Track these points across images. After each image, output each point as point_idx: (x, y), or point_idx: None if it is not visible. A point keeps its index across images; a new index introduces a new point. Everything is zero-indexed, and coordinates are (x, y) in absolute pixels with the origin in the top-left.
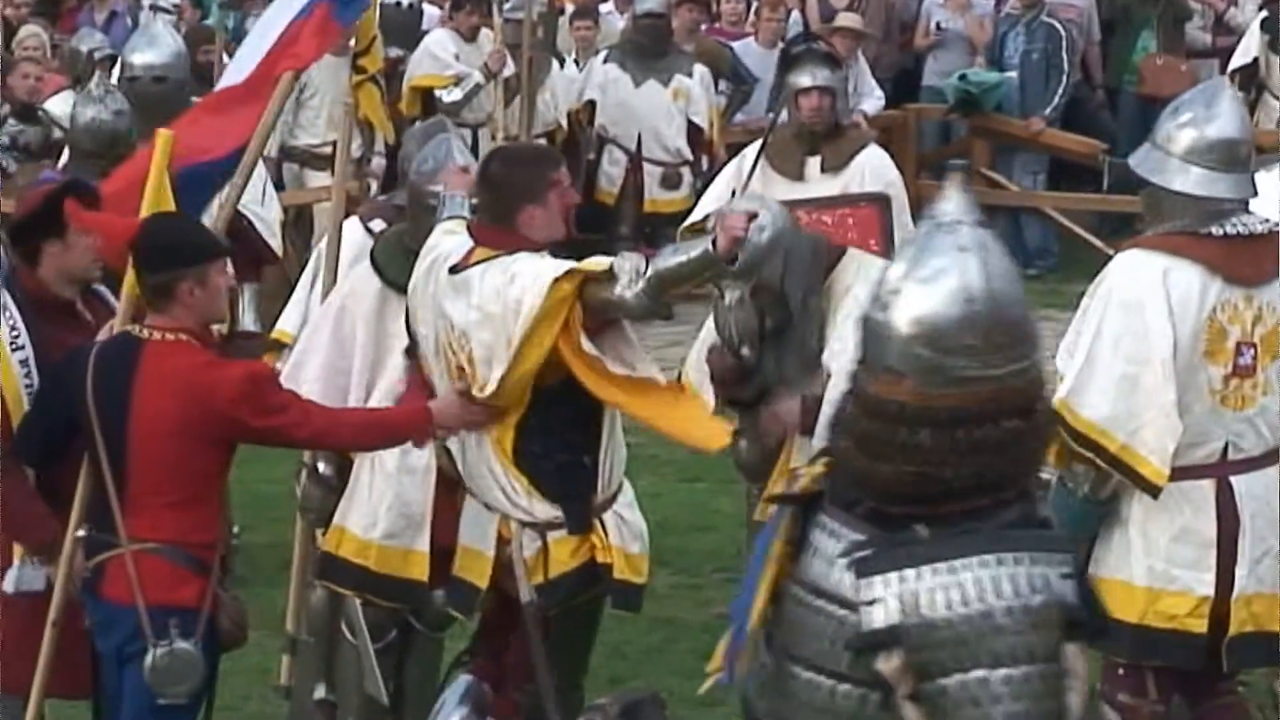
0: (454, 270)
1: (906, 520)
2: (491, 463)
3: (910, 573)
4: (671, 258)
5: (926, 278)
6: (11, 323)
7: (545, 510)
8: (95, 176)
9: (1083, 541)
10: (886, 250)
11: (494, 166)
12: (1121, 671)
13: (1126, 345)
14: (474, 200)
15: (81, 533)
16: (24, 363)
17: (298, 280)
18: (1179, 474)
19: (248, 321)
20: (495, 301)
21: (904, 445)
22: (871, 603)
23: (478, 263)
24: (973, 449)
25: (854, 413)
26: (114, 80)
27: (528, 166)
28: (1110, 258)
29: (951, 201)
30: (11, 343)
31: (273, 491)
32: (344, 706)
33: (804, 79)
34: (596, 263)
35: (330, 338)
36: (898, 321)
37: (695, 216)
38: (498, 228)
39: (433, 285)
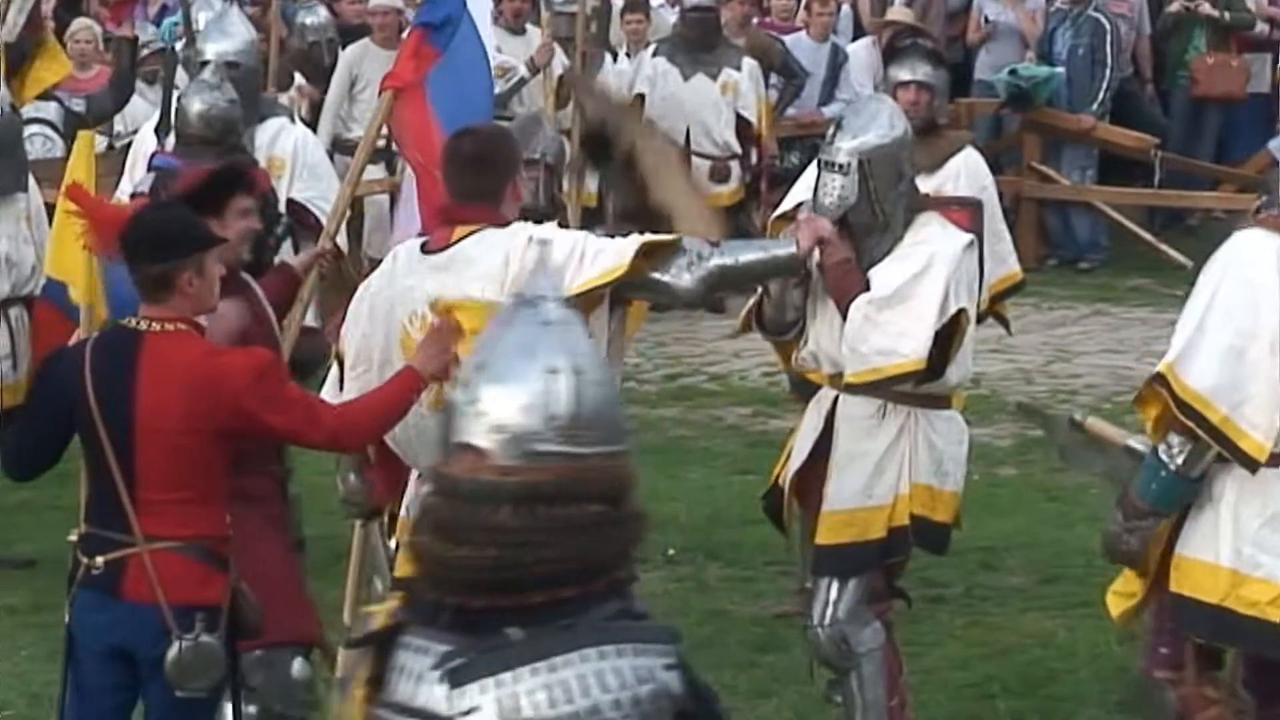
0: (430, 250)
1: (495, 620)
2: None
3: (507, 675)
4: (745, 252)
5: (508, 354)
6: None
7: None
8: (210, 162)
9: (1166, 517)
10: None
11: (472, 146)
12: (1164, 651)
13: (1237, 317)
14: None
15: (73, 537)
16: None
17: (353, 273)
18: (1276, 460)
19: (309, 317)
20: (506, 268)
21: (484, 526)
22: (468, 712)
23: (463, 238)
24: (555, 530)
25: (433, 500)
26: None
27: (506, 141)
28: (1160, 253)
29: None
30: None
31: (324, 484)
32: None
33: (904, 73)
34: (662, 238)
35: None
36: (479, 398)
37: (785, 206)
38: (480, 205)
39: (384, 286)
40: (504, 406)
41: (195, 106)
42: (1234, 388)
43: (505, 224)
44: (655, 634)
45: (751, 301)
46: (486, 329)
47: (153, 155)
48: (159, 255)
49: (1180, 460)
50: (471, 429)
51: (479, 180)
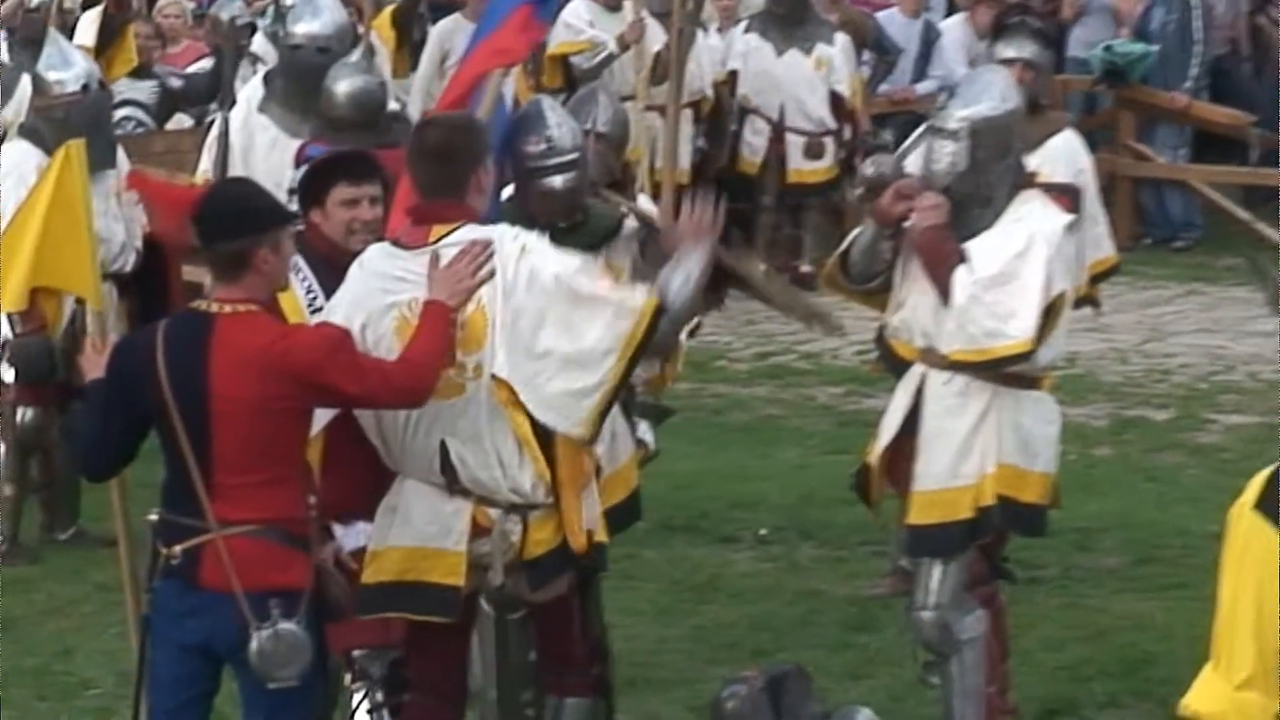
0: (408, 246)
1: None
2: (499, 436)
3: None
4: None
5: None
6: (307, 284)
7: (541, 492)
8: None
9: None
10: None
11: (438, 135)
12: None
13: None
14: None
15: (153, 517)
16: None
17: None
18: None
19: None
20: (501, 275)
21: None
22: None
23: (442, 237)
24: None
25: None
26: (254, 48)
27: (471, 131)
28: (1256, 231)
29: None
30: (310, 305)
31: None
32: (485, 675)
33: (1009, 50)
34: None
35: None
36: None
37: None
38: (446, 199)
39: (359, 289)
40: None
41: (343, 88)
42: None
43: (477, 219)
44: None
45: (837, 252)
46: None
47: (302, 147)
48: (236, 232)
49: None
50: None
51: (443, 171)
